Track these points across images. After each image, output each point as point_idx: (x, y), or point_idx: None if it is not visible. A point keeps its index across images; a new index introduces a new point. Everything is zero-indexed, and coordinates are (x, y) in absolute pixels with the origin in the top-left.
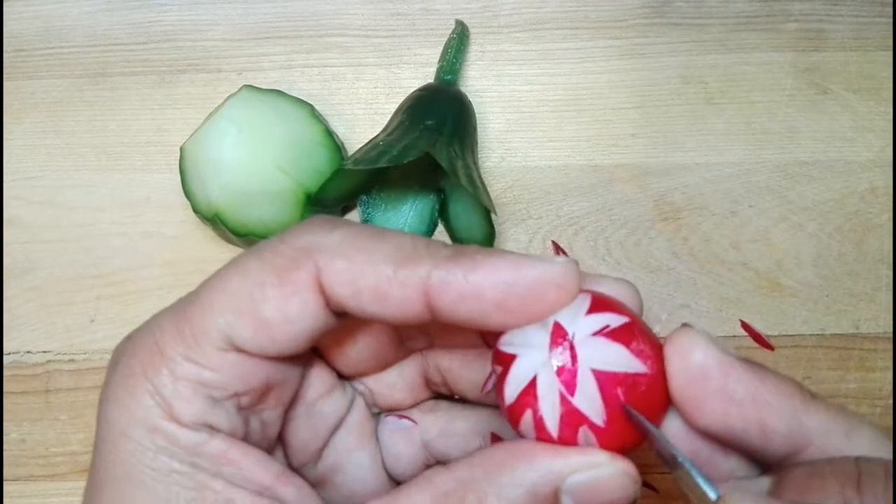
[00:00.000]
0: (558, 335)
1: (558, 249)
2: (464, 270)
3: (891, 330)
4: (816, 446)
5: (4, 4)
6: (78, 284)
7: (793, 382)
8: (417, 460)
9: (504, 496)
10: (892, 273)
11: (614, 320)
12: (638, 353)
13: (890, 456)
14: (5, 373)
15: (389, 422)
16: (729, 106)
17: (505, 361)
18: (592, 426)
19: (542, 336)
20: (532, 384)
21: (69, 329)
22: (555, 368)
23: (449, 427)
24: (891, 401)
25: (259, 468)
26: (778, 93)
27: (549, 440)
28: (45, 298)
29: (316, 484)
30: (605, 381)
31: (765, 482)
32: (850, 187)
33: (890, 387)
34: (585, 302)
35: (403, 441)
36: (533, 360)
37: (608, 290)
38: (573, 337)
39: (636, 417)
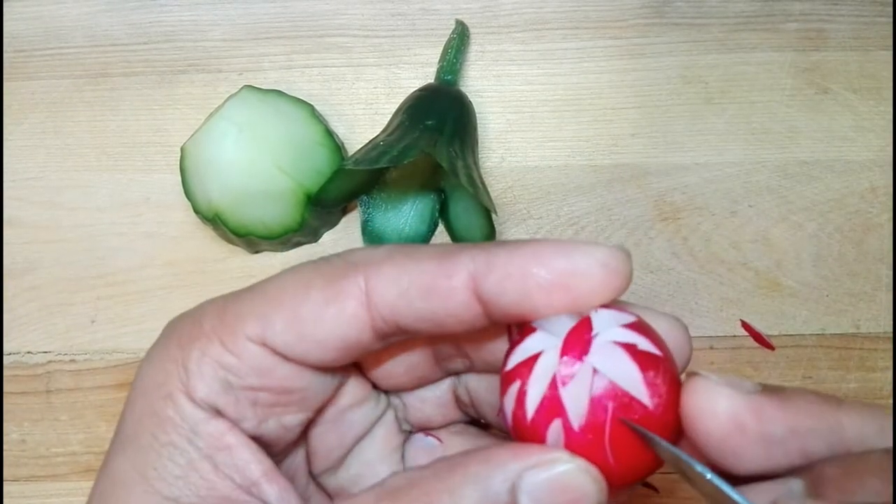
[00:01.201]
0: (583, 327)
1: None
2: (507, 250)
3: (891, 330)
4: (855, 450)
5: (4, 4)
6: (78, 285)
7: (817, 396)
8: None
9: (456, 494)
10: (892, 273)
11: (646, 346)
12: (650, 385)
13: None
14: (6, 373)
15: (417, 439)
16: (729, 106)
17: (524, 333)
18: (566, 425)
19: (569, 324)
20: (533, 358)
21: (69, 329)
22: (560, 352)
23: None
24: (891, 401)
25: (250, 460)
26: (778, 93)
27: (522, 420)
28: (46, 299)
29: (335, 493)
30: (601, 387)
31: (796, 484)
32: (850, 187)
33: (890, 387)
34: (629, 319)
35: (427, 459)
36: (547, 340)
37: (655, 322)
38: (596, 335)
39: (649, 437)
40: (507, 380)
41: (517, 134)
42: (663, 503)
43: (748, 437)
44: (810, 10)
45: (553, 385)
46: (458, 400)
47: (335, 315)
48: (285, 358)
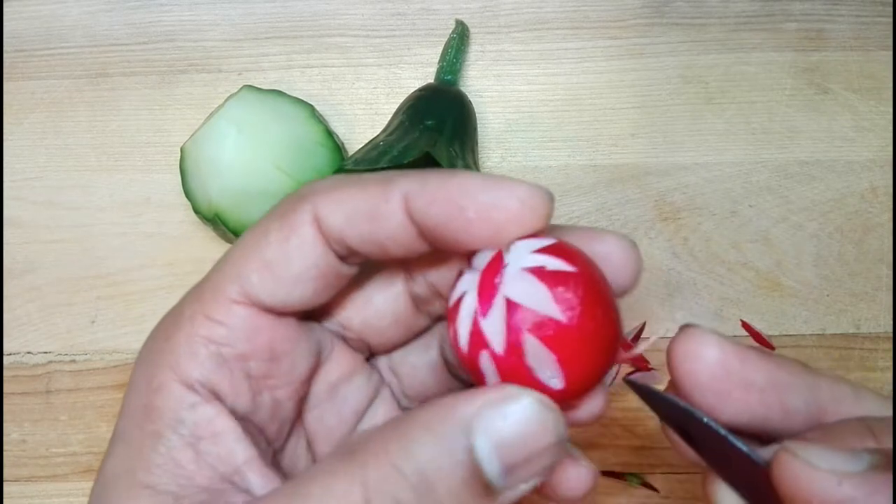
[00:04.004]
0: (495, 262)
1: None
2: (440, 178)
3: (891, 329)
4: (831, 413)
5: (4, 4)
6: (78, 285)
7: (796, 360)
8: None
9: (412, 442)
10: (892, 273)
11: (555, 265)
12: (560, 300)
13: (891, 413)
14: (6, 373)
15: None
16: (729, 106)
17: (457, 278)
18: (492, 354)
19: (487, 261)
20: (459, 300)
21: (70, 330)
22: (477, 289)
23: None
24: (891, 400)
25: (235, 448)
26: (778, 93)
27: (461, 355)
28: (46, 299)
29: None
30: (514, 313)
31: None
32: (850, 187)
33: (890, 387)
34: (545, 243)
35: None
36: (470, 280)
37: (602, 244)
38: (507, 266)
39: (640, 386)
40: (448, 324)
41: (517, 134)
42: (663, 503)
43: (732, 381)
44: (810, 10)
45: (475, 320)
46: (447, 363)
47: (298, 246)
48: (271, 311)
